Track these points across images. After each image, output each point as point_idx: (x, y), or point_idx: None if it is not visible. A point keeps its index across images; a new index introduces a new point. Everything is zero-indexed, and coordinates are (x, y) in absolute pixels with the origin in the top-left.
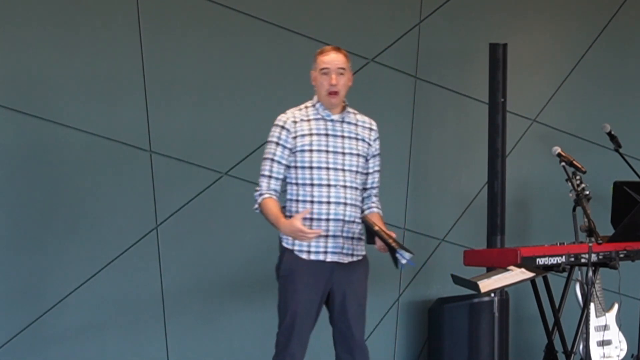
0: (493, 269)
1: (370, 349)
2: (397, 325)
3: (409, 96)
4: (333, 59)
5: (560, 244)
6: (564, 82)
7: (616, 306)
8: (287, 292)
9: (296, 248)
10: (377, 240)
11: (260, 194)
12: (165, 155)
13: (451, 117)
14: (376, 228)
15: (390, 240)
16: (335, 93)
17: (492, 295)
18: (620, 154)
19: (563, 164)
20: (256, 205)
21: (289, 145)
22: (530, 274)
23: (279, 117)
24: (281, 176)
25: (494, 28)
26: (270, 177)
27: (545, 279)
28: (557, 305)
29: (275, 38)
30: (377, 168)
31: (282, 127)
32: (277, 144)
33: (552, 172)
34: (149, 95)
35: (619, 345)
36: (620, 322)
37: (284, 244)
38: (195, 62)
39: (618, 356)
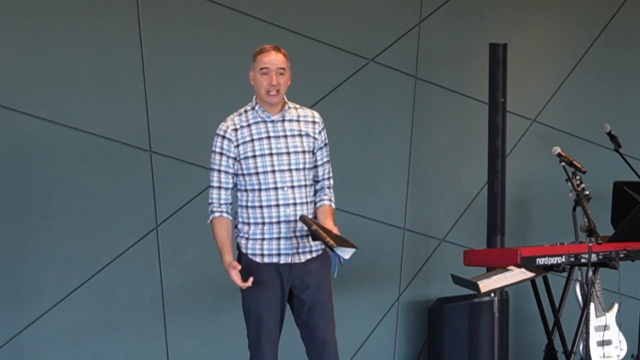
0: (493, 269)
1: (370, 349)
2: (397, 325)
3: (409, 96)
4: (273, 59)
5: (560, 244)
6: (564, 82)
7: (616, 306)
8: (249, 294)
9: (249, 252)
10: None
11: (212, 211)
12: (165, 155)
13: (451, 117)
14: (313, 227)
15: (327, 239)
16: (276, 93)
17: (492, 295)
18: (620, 154)
19: (563, 164)
20: (208, 221)
21: (232, 155)
22: (530, 274)
23: (220, 126)
24: (230, 185)
25: (494, 28)
26: (219, 187)
27: (545, 279)
28: (557, 305)
29: (275, 38)
30: (326, 159)
31: (223, 137)
32: (221, 154)
33: (552, 172)
34: (149, 95)
35: (619, 345)
36: (620, 322)
37: (240, 247)
38: (195, 61)
39: (618, 356)
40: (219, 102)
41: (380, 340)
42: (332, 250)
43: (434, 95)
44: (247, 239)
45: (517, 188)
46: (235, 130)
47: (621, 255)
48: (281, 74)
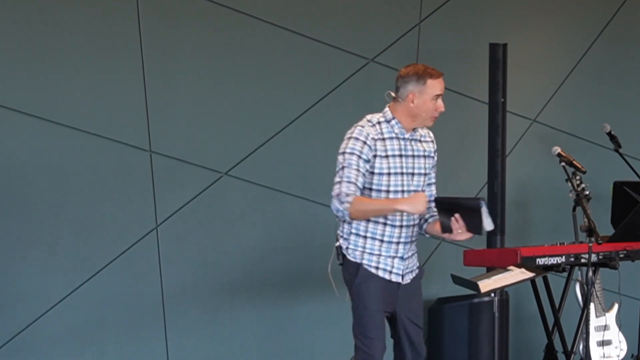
0: (493, 269)
1: None
2: None
3: None
4: (444, 86)
5: (560, 244)
6: (564, 82)
7: (616, 306)
8: (363, 296)
9: (365, 262)
10: (453, 223)
11: (347, 194)
12: (165, 155)
13: (451, 117)
14: (454, 197)
15: (470, 201)
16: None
17: (492, 295)
18: (620, 154)
19: (563, 164)
20: (345, 205)
21: (369, 159)
22: (530, 274)
23: (359, 131)
24: (361, 187)
25: (494, 28)
26: (356, 184)
27: (545, 279)
28: (557, 305)
29: (275, 38)
30: (434, 179)
31: (364, 143)
32: (360, 157)
33: (552, 172)
34: (149, 95)
35: (619, 345)
36: (620, 322)
37: (351, 258)
38: (195, 61)
39: (618, 356)
40: (219, 102)
41: None
42: (480, 205)
43: None
44: (363, 252)
45: (517, 188)
46: (374, 139)
47: (621, 255)
48: None
